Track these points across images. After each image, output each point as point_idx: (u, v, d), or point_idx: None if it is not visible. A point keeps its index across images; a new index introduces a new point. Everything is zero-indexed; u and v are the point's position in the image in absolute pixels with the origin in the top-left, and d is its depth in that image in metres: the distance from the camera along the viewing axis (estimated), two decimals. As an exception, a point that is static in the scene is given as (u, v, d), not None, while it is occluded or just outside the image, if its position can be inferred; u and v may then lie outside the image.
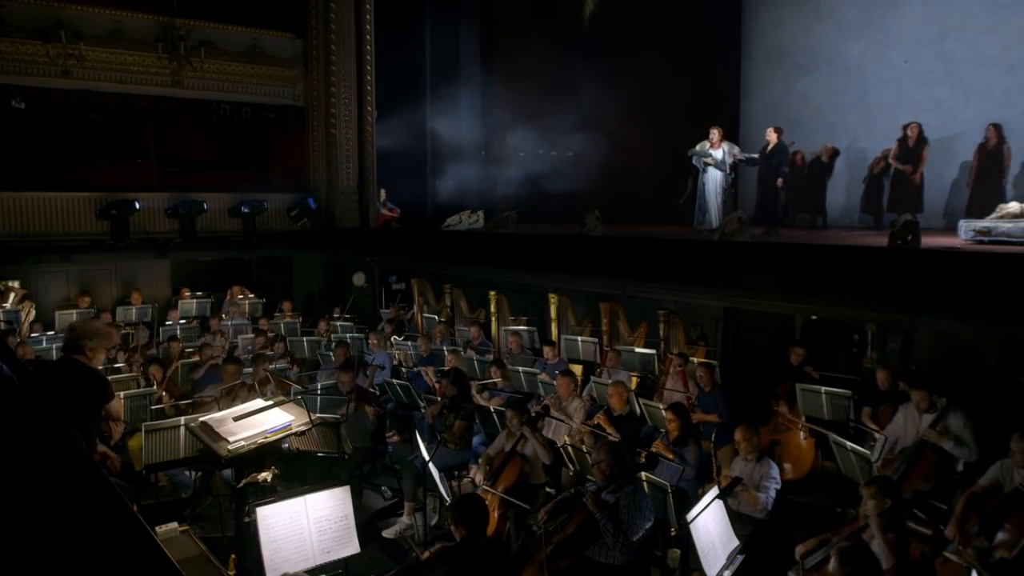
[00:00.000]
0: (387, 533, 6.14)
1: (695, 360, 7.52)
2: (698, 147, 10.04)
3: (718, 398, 6.49)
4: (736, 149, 9.96)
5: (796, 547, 4.23)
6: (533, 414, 5.96)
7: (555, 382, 6.80)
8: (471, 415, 6.50)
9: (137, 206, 11.81)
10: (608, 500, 4.35)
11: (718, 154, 9.87)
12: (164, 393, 7.33)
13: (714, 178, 10.00)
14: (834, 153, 10.97)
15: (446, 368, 7.91)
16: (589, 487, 4.64)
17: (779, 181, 9.60)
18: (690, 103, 12.31)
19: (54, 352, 8.70)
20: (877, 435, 5.69)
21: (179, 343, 8.96)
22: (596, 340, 8.51)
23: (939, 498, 4.83)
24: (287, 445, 4.56)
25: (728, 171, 9.87)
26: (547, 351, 8.23)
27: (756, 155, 10.19)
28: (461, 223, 12.39)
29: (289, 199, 13.40)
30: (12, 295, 10.69)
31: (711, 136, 9.91)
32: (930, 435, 5.02)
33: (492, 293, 10.17)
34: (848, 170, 11.16)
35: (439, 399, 6.88)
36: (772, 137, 9.70)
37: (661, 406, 6.03)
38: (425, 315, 11.11)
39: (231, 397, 6.55)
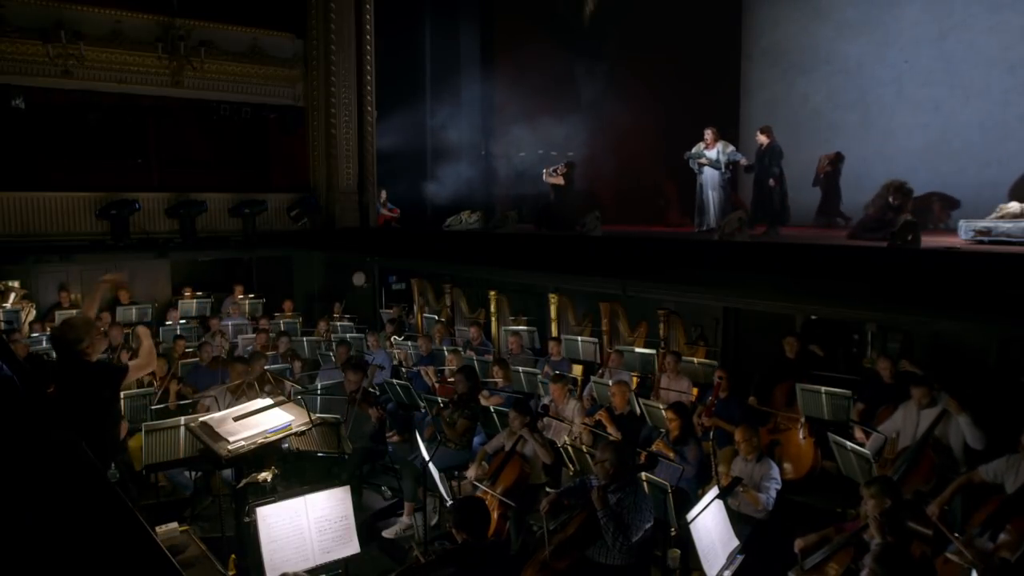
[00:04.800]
0: (387, 533, 6.14)
1: (696, 360, 7.53)
2: (693, 150, 10.08)
3: (735, 406, 6.36)
4: (730, 148, 9.98)
5: (796, 540, 4.24)
6: (534, 415, 5.97)
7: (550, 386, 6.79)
8: (476, 415, 6.50)
9: (137, 206, 11.81)
10: (610, 500, 4.35)
11: (712, 154, 9.90)
12: (172, 382, 7.34)
13: (710, 178, 10.02)
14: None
15: (446, 368, 7.93)
16: (592, 481, 4.64)
17: (771, 181, 9.62)
18: (690, 103, 12.32)
19: (54, 352, 8.69)
20: (863, 435, 5.69)
21: (183, 342, 8.99)
22: (596, 340, 8.51)
23: (939, 499, 4.82)
24: (287, 445, 4.56)
25: (723, 169, 9.89)
26: (552, 347, 8.25)
27: (748, 161, 10.19)
28: (461, 223, 12.39)
29: (289, 199, 13.40)
30: (12, 295, 10.69)
31: (705, 136, 9.94)
32: (951, 405, 5.02)
33: (492, 293, 10.17)
34: (853, 172, 11.11)
35: (439, 399, 6.88)
36: (762, 139, 9.70)
37: (661, 406, 6.03)
38: (425, 315, 11.11)
39: (236, 396, 6.54)
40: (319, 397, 6.86)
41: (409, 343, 9.48)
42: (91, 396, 4.12)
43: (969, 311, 5.42)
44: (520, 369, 7.48)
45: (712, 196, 10.12)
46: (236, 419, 4.48)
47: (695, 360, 7.53)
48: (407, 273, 12.57)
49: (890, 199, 8.31)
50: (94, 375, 4.19)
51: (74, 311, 10.65)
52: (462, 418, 6.44)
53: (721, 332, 8.17)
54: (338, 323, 10.91)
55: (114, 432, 4.41)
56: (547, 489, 5.68)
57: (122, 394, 6.39)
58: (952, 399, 5.01)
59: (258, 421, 4.45)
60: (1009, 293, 5.13)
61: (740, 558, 4.11)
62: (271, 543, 3.70)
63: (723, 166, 9.89)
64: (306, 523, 3.82)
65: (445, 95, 15.19)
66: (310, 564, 3.74)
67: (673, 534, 4.71)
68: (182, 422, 5.44)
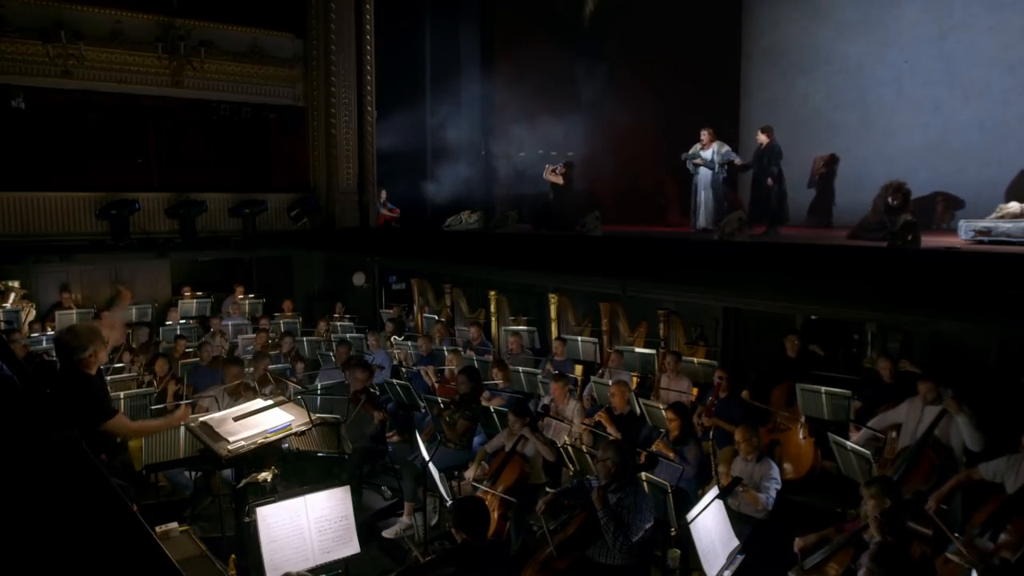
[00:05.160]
0: (387, 533, 6.14)
1: (696, 360, 7.53)
2: (691, 150, 10.10)
3: (735, 406, 6.38)
4: (725, 148, 9.99)
5: (795, 540, 4.24)
6: (533, 415, 5.97)
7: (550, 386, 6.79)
8: (476, 416, 6.50)
9: (137, 206, 11.82)
10: (610, 500, 4.35)
11: (707, 154, 9.92)
12: (171, 382, 7.35)
13: (704, 178, 10.03)
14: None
15: (446, 368, 7.93)
16: (591, 481, 4.64)
17: (769, 180, 9.64)
18: (690, 103, 12.32)
19: (54, 352, 8.68)
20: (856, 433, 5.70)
21: (184, 342, 8.99)
22: (596, 340, 8.51)
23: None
24: (287, 445, 4.56)
25: (717, 169, 9.90)
26: (556, 346, 8.28)
27: (745, 162, 10.19)
28: (461, 223, 12.39)
29: (289, 199, 13.41)
30: (12, 295, 10.69)
31: (701, 137, 9.96)
32: (951, 405, 5.01)
33: (492, 293, 10.17)
34: (853, 172, 11.10)
35: (439, 399, 6.88)
36: (762, 138, 9.71)
37: (661, 406, 6.03)
38: (425, 315, 11.11)
39: (234, 397, 6.55)
40: (319, 397, 6.86)
41: (409, 343, 9.47)
42: (83, 405, 4.09)
43: (969, 311, 5.41)
44: (520, 369, 7.48)
45: (705, 196, 10.13)
46: (236, 419, 4.49)
47: (695, 360, 7.53)
48: (407, 273, 12.57)
49: (889, 199, 8.31)
50: (88, 389, 4.14)
51: (73, 311, 10.66)
52: (463, 419, 6.44)
53: (721, 332, 8.18)
54: (338, 323, 10.91)
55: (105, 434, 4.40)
56: (547, 489, 5.67)
57: (122, 394, 6.41)
58: (951, 399, 5.02)
59: (258, 421, 4.45)
60: (1009, 293, 5.13)
61: (740, 558, 4.11)
62: (271, 543, 3.70)
63: (717, 166, 9.91)
64: (306, 523, 3.82)
65: (445, 95, 15.18)
66: (310, 564, 3.74)
67: (673, 534, 4.71)
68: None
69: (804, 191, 11.09)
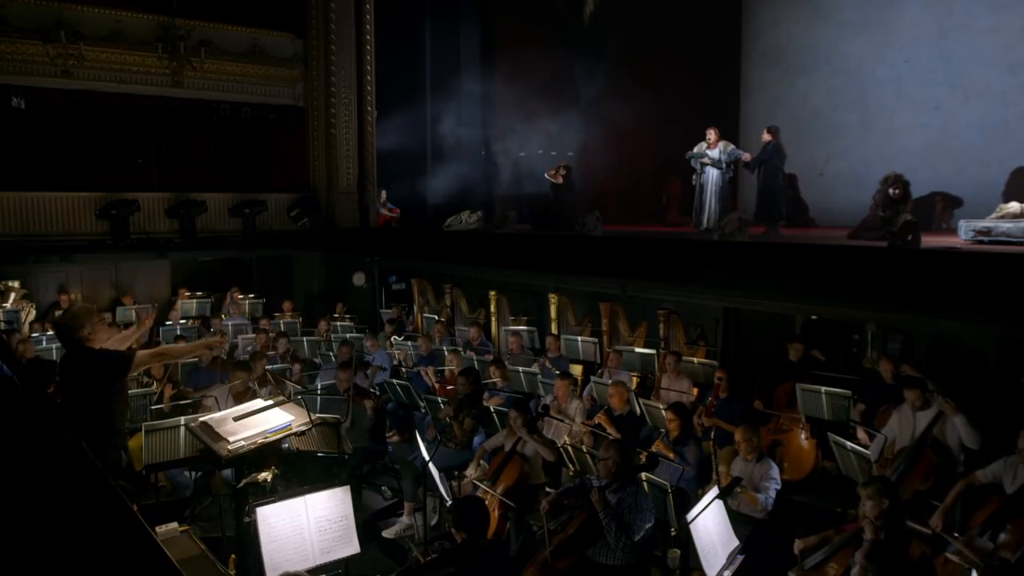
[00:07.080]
0: (387, 533, 6.14)
1: (696, 360, 7.53)
2: (696, 149, 10.09)
3: (735, 406, 6.37)
4: (731, 147, 9.99)
5: (795, 541, 4.24)
6: (534, 415, 5.96)
7: (554, 383, 6.79)
8: (479, 417, 6.51)
9: (137, 206, 11.82)
10: (611, 500, 4.35)
11: (715, 153, 9.90)
12: (167, 386, 7.35)
13: (712, 177, 10.03)
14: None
15: (446, 368, 7.93)
16: (592, 481, 4.64)
17: (750, 167, 9.67)
18: (690, 103, 12.33)
19: (54, 352, 8.69)
20: (865, 435, 5.69)
21: (184, 342, 8.98)
22: (596, 340, 8.51)
23: (939, 498, 4.81)
24: (287, 445, 4.55)
25: (725, 168, 9.90)
26: (551, 343, 8.31)
27: (750, 160, 10.22)
28: (461, 223, 12.39)
29: (289, 199, 13.41)
30: (12, 295, 10.69)
31: (708, 136, 9.95)
32: (946, 407, 5.01)
33: (492, 293, 10.17)
34: (853, 172, 11.10)
35: (439, 399, 6.88)
36: (767, 137, 9.71)
37: (661, 406, 6.03)
38: (425, 315, 11.11)
39: (237, 399, 6.53)
40: (319, 397, 6.86)
41: (409, 343, 9.47)
42: (95, 386, 4.14)
43: (969, 311, 5.41)
44: (520, 369, 7.48)
45: (713, 196, 10.11)
46: (236, 419, 4.47)
47: (695, 360, 7.53)
48: (407, 273, 12.57)
49: (890, 191, 8.30)
50: (99, 364, 4.20)
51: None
52: (469, 418, 6.45)
53: (721, 332, 8.17)
54: (338, 323, 10.91)
55: (120, 424, 4.43)
56: (547, 489, 5.67)
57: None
58: (947, 400, 5.01)
59: (258, 421, 4.43)
60: (1009, 293, 5.13)
61: (740, 558, 4.11)
62: (271, 543, 3.70)
63: (725, 165, 9.90)
64: (306, 523, 3.81)
65: (445, 95, 15.18)
66: (310, 564, 3.73)
67: (673, 534, 4.71)
68: (182, 422, 5.44)
69: (801, 191, 11.11)
